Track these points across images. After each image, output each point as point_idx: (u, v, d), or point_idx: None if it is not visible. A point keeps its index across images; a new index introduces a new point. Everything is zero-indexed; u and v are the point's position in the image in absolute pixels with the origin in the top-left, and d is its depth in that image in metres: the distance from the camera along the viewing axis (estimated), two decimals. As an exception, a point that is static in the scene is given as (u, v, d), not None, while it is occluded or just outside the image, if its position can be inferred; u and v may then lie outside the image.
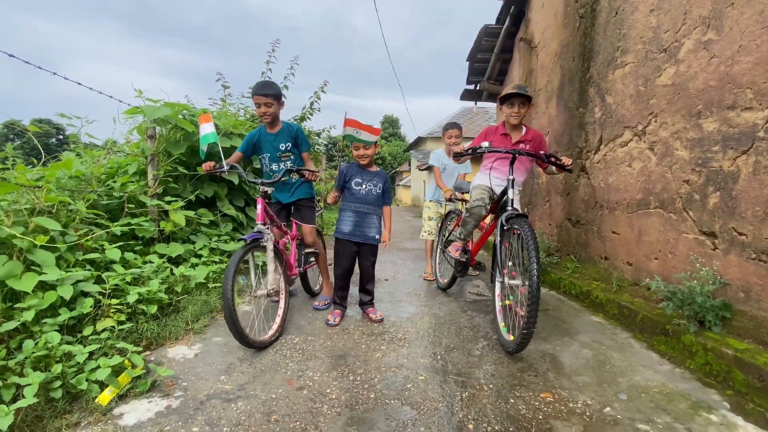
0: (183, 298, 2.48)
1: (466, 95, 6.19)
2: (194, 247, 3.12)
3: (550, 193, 3.74)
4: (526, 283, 2.07)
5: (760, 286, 1.71)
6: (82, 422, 1.44)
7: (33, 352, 1.50)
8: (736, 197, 1.82)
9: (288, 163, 2.61)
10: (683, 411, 1.57)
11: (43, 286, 1.77)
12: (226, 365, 1.95)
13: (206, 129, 2.38)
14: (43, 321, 1.66)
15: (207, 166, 2.29)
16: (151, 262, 2.56)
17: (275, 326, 2.27)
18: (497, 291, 2.32)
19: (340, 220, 2.55)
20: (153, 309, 2.17)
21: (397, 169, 34.52)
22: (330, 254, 2.87)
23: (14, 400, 1.36)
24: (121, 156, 3.52)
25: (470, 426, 1.49)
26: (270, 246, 2.18)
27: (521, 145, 2.47)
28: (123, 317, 1.98)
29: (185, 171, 3.32)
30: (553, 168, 2.44)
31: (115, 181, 3.01)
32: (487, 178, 2.56)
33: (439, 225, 3.58)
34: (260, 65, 6.18)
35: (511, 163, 2.28)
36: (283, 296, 2.40)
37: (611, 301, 2.55)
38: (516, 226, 2.09)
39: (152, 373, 1.77)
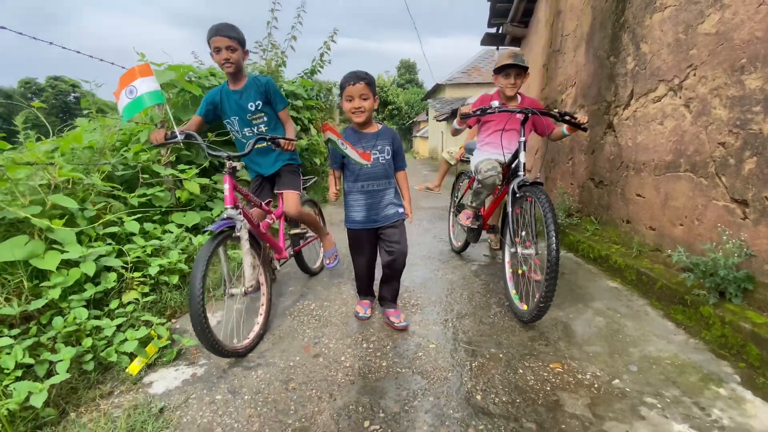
0: (203, 266, 2.57)
1: (488, 40, 5.74)
2: (211, 214, 3.18)
3: (574, 151, 3.56)
4: (539, 252, 2.04)
5: (791, 260, 1.62)
6: (114, 391, 1.57)
7: (64, 327, 1.61)
8: (777, 164, 1.67)
9: (262, 126, 2.19)
10: (693, 384, 1.57)
11: (67, 263, 1.85)
12: (246, 333, 2.05)
13: (145, 86, 1.83)
14: (70, 297, 1.75)
15: (156, 135, 1.86)
16: (170, 232, 2.63)
17: (257, 327, 1.97)
18: (507, 258, 2.29)
19: (348, 206, 2.01)
20: (175, 279, 2.26)
21: (414, 119, 33.43)
22: (335, 240, 2.68)
23: (48, 375, 1.48)
24: (132, 124, 3.51)
25: (478, 397, 1.54)
26: (244, 235, 1.80)
27: (518, 116, 2.27)
28: (146, 289, 2.08)
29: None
30: (564, 129, 2.34)
31: (128, 150, 3.02)
32: (493, 153, 2.51)
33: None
34: (268, 14, 5.72)
35: (523, 124, 2.20)
36: (265, 289, 2.07)
37: (630, 267, 2.49)
38: (529, 194, 2.02)
39: (177, 343, 1.89)
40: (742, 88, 1.83)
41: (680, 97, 2.23)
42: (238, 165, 1.84)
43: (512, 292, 2.21)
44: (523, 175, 2.14)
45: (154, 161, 2.97)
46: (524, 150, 2.17)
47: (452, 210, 3.51)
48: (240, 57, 2.06)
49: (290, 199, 2.23)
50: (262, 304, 2.06)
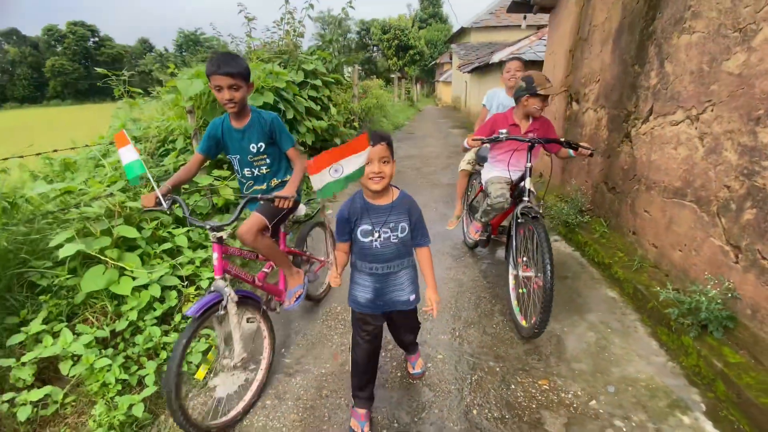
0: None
1: (514, 7, 5.40)
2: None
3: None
4: (539, 275, 2.17)
5: (767, 311, 1.80)
6: (189, 394, 2.02)
7: (144, 344, 2.03)
8: (770, 221, 1.78)
9: (263, 168, 2.06)
10: (660, 409, 1.86)
11: (137, 286, 2.24)
12: (284, 338, 2.44)
13: (127, 156, 1.80)
14: (144, 317, 2.15)
15: (146, 201, 1.78)
16: (211, 238, 2.97)
17: (240, 405, 1.85)
18: (511, 274, 2.52)
19: (353, 282, 1.69)
20: (221, 288, 2.64)
21: (437, 61, 31.62)
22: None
23: (138, 383, 1.91)
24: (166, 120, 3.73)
25: (474, 411, 1.89)
26: (232, 309, 1.67)
27: (530, 135, 2.47)
28: (200, 300, 2.47)
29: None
30: (570, 151, 2.44)
31: (163, 157, 3.29)
32: (502, 170, 2.63)
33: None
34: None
35: (529, 150, 2.35)
36: (265, 355, 1.99)
37: (629, 281, 2.69)
38: (531, 226, 2.20)
39: (230, 351, 2.31)
40: (754, 139, 1.87)
41: (696, 128, 2.26)
42: (224, 234, 1.74)
43: (514, 303, 2.47)
44: (528, 200, 2.34)
45: (192, 169, 3.24)
46: (530, 176, 2.35)
47: (466, 206, 3.67)
48: (244, 94, 1.90)
49: (249, 222, 1.93)
50: (256, 380, 1.94)
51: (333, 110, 5.62)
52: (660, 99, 2.57)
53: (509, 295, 2.52)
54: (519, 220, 2.34)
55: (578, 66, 3.86)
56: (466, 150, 2.77)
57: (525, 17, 5.46)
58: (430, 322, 2.57)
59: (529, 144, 2.33)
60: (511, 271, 2.51)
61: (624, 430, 1.76)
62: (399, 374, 2.14)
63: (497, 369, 2.15)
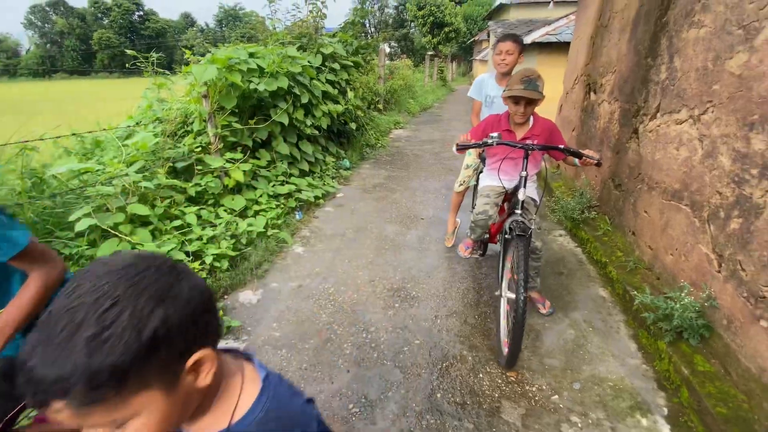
0: (247, 249, 3.16)
1: (542, -12, 5.12)
2: (255, 194, 3.70)
3: (603, 145, 3.45)
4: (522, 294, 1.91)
5: (740, 323, 1.77)
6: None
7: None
8: (753, 233, 1.72)
9: None
10: (620, 410, 1.90)
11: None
12: (278, 313, 2.64)
13: None
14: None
15: None
16: (220, 217, 3.21)
17: None
18: (502, 296, 2.23)
19: None
20: (225, 264, 2.87)
21: (475, 38, 30.39)
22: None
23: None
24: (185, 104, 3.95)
25: (438, 395, 2.01)
26: None
27: (528, 141, 2.19)
28: (204, 274, 2.72)
29: (239, 125, 3.68)
30: (575, 160, 2.12)
31: (183, 137, 3.52)
32: (496, 178, 2.35)
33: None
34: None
35: (525, 158, 2.12)
36: None
37: (620, 281, 2.66)
38: (517, 243, 1.98)
39: (226, 323, 2.55)
40: (747, 145, 1.78)
41: (697, 129, 2.16)
42: None
43: (503, 324, 2.20)
44: (520, 213, 2.11)
45: (206, 152, 3.47)
46: (524, 186, 2.10)
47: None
48: None
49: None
50: None
51: (350, 94, 5.66)
52: (667, 95, 2.45)
53: (498, 316, 2.26)
54: (507, 236, 2.14)
55: (597, 54, 3.68)
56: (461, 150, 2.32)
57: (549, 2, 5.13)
58: (415, 308, 2.68)
59: (525, 151, 2.09)
60: (503, 293, 2.25)
61: (579, 425, 1.82)
62: (375, 355, 2.29)
63: (469, 358, 2.25)
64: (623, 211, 3.03)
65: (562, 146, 2.10)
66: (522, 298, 1.83)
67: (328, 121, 5.02)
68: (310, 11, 5.67)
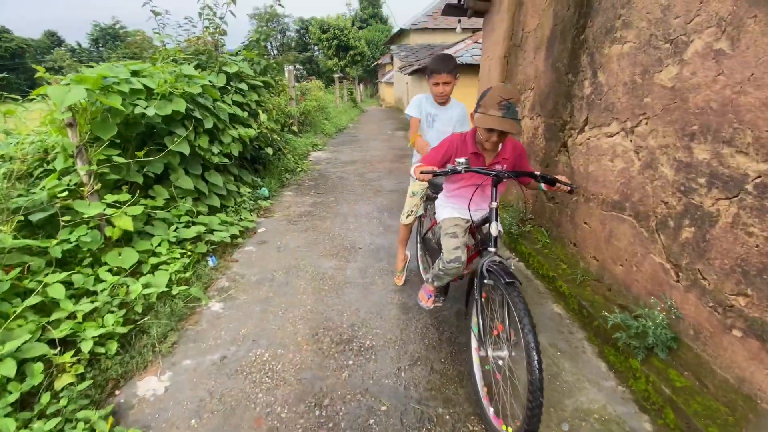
0: (145, 319, 2.43)
1: (449, 10, 5.30)
2: (151, 244, 2.96)
3: (531, 159, 3.52)
4: (514, 353, 1.73)
5: (709, 332, 1.74)
6: None
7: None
8: (709, 241, 1.72)
9: None
10: (614, 446, 1.74)
11: (-18, 363, 1.69)
12: (196, 402, 2.01)
13: None
14: (-9, 408, 1.62)
15: None
16: (102, 281, 2.43)
17: None
18: (474, 358, 1.95)
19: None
20: (113, 347, 2.14)
21: (379, 62, 31.67)
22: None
23: None
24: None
25: (422, 478, 1.64)
26: None
27: (497, 166, 1.92)
28: (81, 369, 1.96)
29: (122, 159, 2.93)
30: (542, 185, 1.87)
31: (41, 179, 2.66)
32: (462, 209, 2.05)
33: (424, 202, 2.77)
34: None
35: (494, 185, 1.78)
36: None
37: (573, 296, 2.62)
38: (503, 291, 1.65)
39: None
40: (690, 155, 1.81)
41: (631, 141, 2.20)
42: None
43: (482, 392, 1.87)
44: (494, 251, 1.77)
45: (76, 195, 2.66)
46: (496, 219, 1.76)
47: (419, 239, 3.09)
48: None
49: None
50: None
51: (263, 116, 5.12)
52: (595, 109, 2.51)
53: (474, 379, 1.92)
54: (486, 281, 1.75)
55: (513, 72, 3.80)
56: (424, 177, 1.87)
57: (459, 21, 5.46)
58: (372, 362, 2.28)
59: (495, 178, 1.78)
60: (474, 346, 1.96)
61: (582, 479, 1.61)
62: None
63: (447, 416, 1.92)
64: (561, 223, 3.05)
65: (537, 173, 1.83)
66: (537, 368, 1.41)
67: (239, 147, 4.41)
68: (206, 27, 5.04)
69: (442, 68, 2.40)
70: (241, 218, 4.25)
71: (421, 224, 3.05)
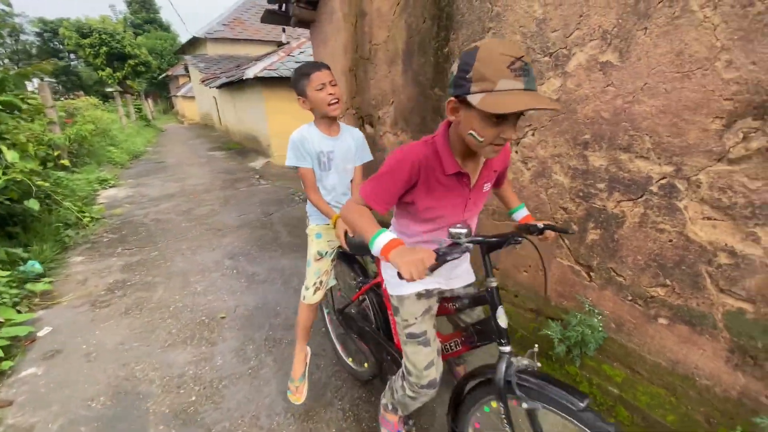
0: None
1: (269, 17, 4.71)
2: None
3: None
4: None
5: (632, 324, 1.87)
6: None
7: None
8: (618, 241, 1.84)
9: None
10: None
11: None
12: None
13: None
14: None
15: None
16: None
17: None
18: None
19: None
20: None
21: (169, 73, 27.55)
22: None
23: None
24: None
25: None
26: None
27: (486, 186, 1.27)
28: None
29: None
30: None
31: None
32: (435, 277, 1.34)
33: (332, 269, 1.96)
34: None
35: (487, 252, 1.26)
36: None
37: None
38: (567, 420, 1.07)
39: None
40: (585, 163, 1.89)
41: (517, 153, 2.23)
42: None
43: None
44: (510, 350, 1.21)
45: None
46: (500, 302, 1.24)
47: (329, 315, 2.37)
48: None
49: None
50: None
51: (9, 155, 3.35)
52: (472, 122, 2.48)
53: None
54: (523, 404, 1.13)
55: (364, 87, 3.58)
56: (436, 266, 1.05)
57: (284, 30, 4.97)
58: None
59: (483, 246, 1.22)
60: None
61: None
62: None
63: None
64: (449, 237, 2.99)
65: (541, 225, 1.34)
66: None
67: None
68: None
69: (319, 66, 1.66)
70: None
71: (331, 296, 2.27)
